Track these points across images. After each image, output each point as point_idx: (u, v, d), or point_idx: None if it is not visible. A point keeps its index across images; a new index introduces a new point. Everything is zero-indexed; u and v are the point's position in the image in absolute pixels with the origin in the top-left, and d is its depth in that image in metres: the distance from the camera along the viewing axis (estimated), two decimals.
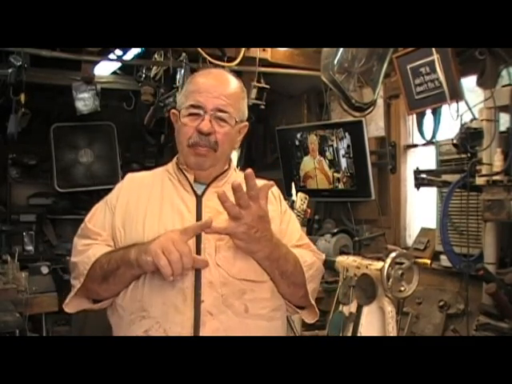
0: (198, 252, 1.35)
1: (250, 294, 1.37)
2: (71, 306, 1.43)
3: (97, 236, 1.44)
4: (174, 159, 1.54)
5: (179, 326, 1.30)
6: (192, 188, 1.45)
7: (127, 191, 1.49)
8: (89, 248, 1.41)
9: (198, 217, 1.39)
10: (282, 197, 1.60)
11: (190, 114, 1.41)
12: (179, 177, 1.48)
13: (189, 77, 1.60)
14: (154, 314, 1.32)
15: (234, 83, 1.46)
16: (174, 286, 1.31)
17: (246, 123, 1.51)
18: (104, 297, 1.41)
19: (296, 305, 1.50)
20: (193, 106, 1.40)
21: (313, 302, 1.49)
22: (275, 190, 1.57)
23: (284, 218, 1.54)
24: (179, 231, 1.28)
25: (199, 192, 1.45)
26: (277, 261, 1.37)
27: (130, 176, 1.56)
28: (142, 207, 1.43)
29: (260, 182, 1.57)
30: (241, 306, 1.35)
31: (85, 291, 1.41)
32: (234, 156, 4.32)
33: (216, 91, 1.40)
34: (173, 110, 1.49)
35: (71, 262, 1.45)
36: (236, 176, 1.54)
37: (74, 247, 1.46)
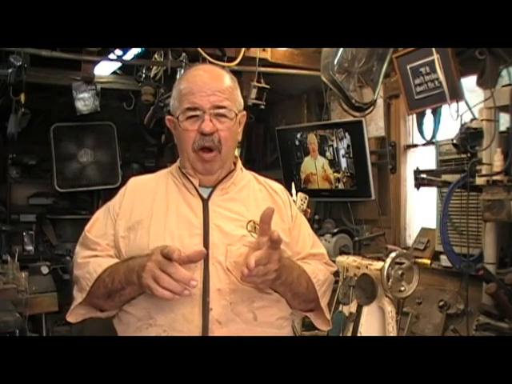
0: (206, 258, 1.30)
1: (259, 302, 1.34)
2: (76, 315, 1.40)
3: (96, 246, 1.40)
4: (178, 162, 1.49)
5: (187, 334, 1.27)
6: (197, 192, 1.41)
7: (131, 197, 1.45)
8: (88, 262, 1.38)
9: (205, 221, 1.36)
10: (291, 200, 1.55)
11: (189, 118, 1.37)
12: (183, 181, 1.44)
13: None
14: (161, 322, 1.29)
15: (224, 76, 1.42)
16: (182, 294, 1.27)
17: (244, 112, 1.47)
18: (109, 309, 1.39)
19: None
20: (189, 109, 1.36)
21: (328, 317, 1.49)
22: (284, 193, 1.54)
23: (295, 223, 1.50)
24: (159, 252, 1.22)
25: (205, 195, 1.41)
26: (290, 285, 1.36)
27: (133, 181, 1.51)
28: (147, 213, 1.39)
29: (265, 181, 1.55)
30: (249, 314, 1.32)
31: (90, 302, 1.38)
32: None
33: (210, 89, 1.36)
34: (168, 117, 1.45)
35: (74, 274, 1.42)
36: (242, 176, 1.50)
37: (75, 258, 1.43)
